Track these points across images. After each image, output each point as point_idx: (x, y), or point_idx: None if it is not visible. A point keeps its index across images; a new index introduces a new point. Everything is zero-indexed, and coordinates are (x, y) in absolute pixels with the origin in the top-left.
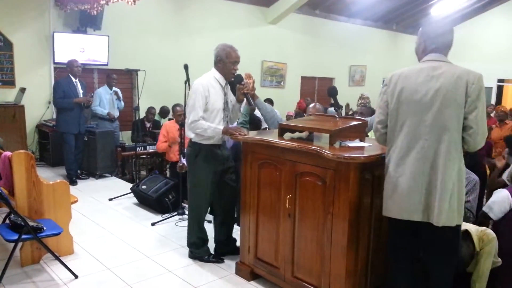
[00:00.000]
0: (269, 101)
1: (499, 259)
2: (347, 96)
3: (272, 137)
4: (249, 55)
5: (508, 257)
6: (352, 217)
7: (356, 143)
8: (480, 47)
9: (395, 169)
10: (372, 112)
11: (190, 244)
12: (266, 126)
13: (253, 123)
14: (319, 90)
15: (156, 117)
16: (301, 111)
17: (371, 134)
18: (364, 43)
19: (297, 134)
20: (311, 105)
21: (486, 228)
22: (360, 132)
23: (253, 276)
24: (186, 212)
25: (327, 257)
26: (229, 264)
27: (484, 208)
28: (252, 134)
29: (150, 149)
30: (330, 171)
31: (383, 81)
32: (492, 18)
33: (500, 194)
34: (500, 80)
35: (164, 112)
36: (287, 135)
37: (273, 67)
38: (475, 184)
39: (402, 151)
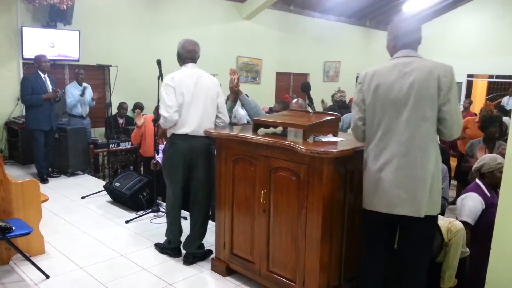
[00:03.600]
0: None
1: (467, 249)
2: (322, 91)
3: (247, 133)
4: (224, 51)
5: (484, 248)
6: (325, 211)
7: (329, 138)
8: (451, 43)
9: (375, 164)
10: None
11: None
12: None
13: None
14: (294, 86)
15: (129, 114)
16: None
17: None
18: (338, 39)
19: (271, 130)
20: (294, 100)
21: (454, 219)
22: (333, 126)
23: (228, 271)
24: (161, 209)
25: (301, 251)
26: (204, 260)
27: (464, 219)
28: (228, 130)
29: (124, 145)
30: (304, 166)
31: (357, 77)
32: (462, 14)
33: (471, 200)
34: (469, 76)
35: (137, 108)
36: (261, 130)
37: (248, 63)
38: (445, 172)
39: (380, 147)
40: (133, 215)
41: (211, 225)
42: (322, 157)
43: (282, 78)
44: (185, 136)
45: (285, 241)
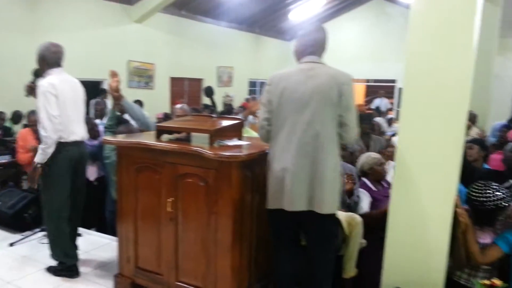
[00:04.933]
0: (139, 103)
1: (364, 241)
2: (216, 96)
3: (149, 140)
4: (114, 55)
5: (372, 239)
6: (235, 214)
7: (235, 141)
8: (333, 50)
9: (278, 164)
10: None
11: None
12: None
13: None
14: (189, 91)
15: (8, 123)
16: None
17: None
18: (230, 45)
19: (174, 135)
20: (178, 106)
21: (352, 213)
22: (238, 131)
23: (134, 287)
24: None
25: (212, 257)
26: (104, 277)
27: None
28: (123, 137)
29: (2, 159)
30: (212, 171)
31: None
32: (342, 24)
33: (363, 194)
34: None
35: (17, 116)
36: (165, 136)
37: (140, 67)
38: (355, 173)
39: (284, 147)
40: (18, 236)
41: (110, 239)
42: (230, 161)
43: (176, 83)
44: (76, 142)
45: (195, 248)
